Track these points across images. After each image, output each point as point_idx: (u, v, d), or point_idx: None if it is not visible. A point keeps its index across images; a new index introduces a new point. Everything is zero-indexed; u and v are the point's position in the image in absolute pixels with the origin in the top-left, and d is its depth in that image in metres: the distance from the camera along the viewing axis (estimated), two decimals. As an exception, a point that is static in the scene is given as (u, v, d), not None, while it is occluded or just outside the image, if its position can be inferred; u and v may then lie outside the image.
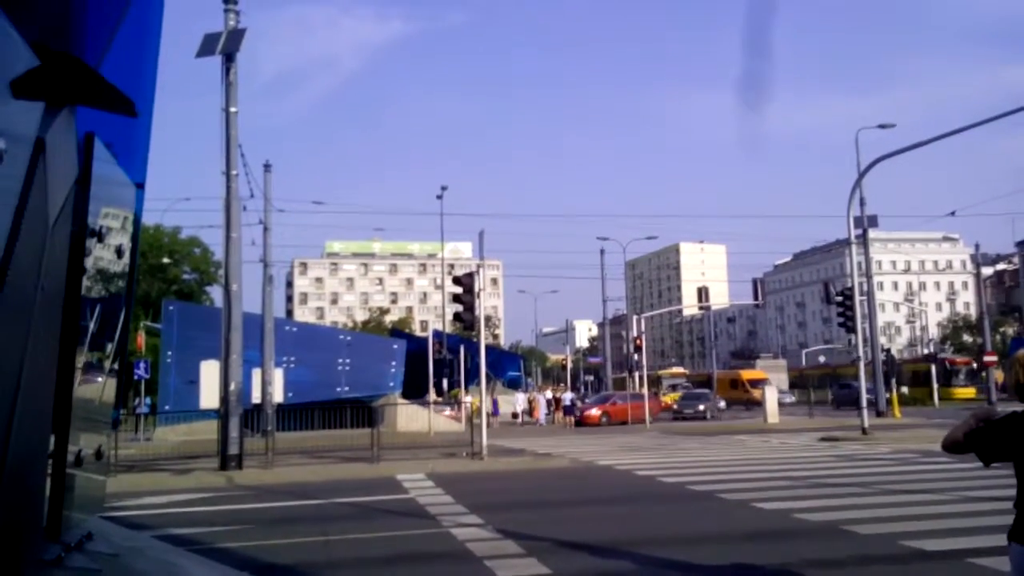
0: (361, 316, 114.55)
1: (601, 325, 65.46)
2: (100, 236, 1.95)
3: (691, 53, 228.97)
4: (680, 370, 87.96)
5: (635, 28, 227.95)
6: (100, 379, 2.27)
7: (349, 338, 43.09)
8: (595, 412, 38.11)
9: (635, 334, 40.45)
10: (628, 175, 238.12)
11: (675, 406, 44.68)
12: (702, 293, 49.35)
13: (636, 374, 39.53)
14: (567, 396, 40.71)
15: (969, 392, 54.15)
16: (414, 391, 36.71)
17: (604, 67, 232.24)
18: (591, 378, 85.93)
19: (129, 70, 1.96)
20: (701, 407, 42.28)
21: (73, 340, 1.89)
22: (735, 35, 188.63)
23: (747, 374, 62.65)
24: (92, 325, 2.05)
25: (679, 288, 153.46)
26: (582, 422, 37.05)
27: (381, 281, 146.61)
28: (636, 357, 39.30)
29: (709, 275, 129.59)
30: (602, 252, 53.55)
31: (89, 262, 1.92)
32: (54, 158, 1.52)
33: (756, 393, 48.60)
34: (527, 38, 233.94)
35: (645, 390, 37.77)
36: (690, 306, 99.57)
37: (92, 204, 1.85)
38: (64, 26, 1.67)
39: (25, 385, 1.50)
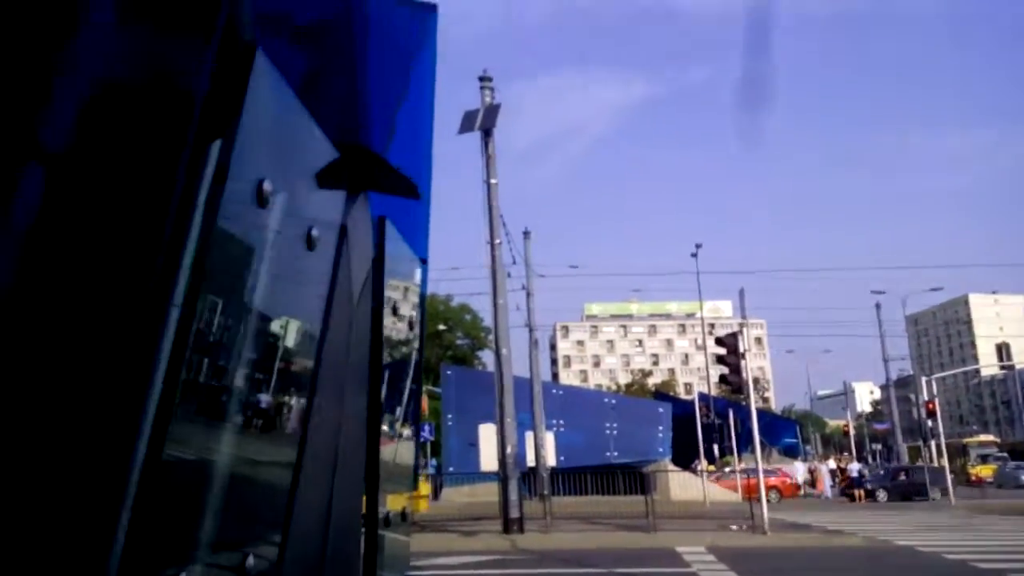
0: (623, 378, 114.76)
1: (884, 387, 60.34)
2: (395, 310, 2.12)
3: (962, 87, 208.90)
4: (989, 437, 78.13)
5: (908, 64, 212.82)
6: (401, 442, 2.43)
7: (614, 401, 43.23)
8: None
9: (925, 397, 36.77)
10: (898, 221, 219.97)
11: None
12: (1002, 350, 44.13)
13: (932, 442, 35.75)
14: (854, 467, 37.69)
15: (988, 470, 44.79)
16: (683, 457, 35.84)
17: (866, 106, 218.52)
18: (879, 446, 78.65)
19: (409, 156, 2.15)
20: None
21: (377, 408, 2.05)
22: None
23: None
24: (392, 393, 2.20)
25: (972, 345, 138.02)
26: None
27: (641, 343, 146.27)
28: (930, 423, 35.63)
29: (1008, 329, 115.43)
30: (878, 307, 49.50)
31: (387, 335, 2.09)
32: (355, 241, 1.68)
33: None
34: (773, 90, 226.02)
35: (945, 460, 33.88)
36: (989, 365, 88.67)
37: (387, 281, 2.03)
38: (356, 121, 1.87)
39: (342, 452, 1.64)
